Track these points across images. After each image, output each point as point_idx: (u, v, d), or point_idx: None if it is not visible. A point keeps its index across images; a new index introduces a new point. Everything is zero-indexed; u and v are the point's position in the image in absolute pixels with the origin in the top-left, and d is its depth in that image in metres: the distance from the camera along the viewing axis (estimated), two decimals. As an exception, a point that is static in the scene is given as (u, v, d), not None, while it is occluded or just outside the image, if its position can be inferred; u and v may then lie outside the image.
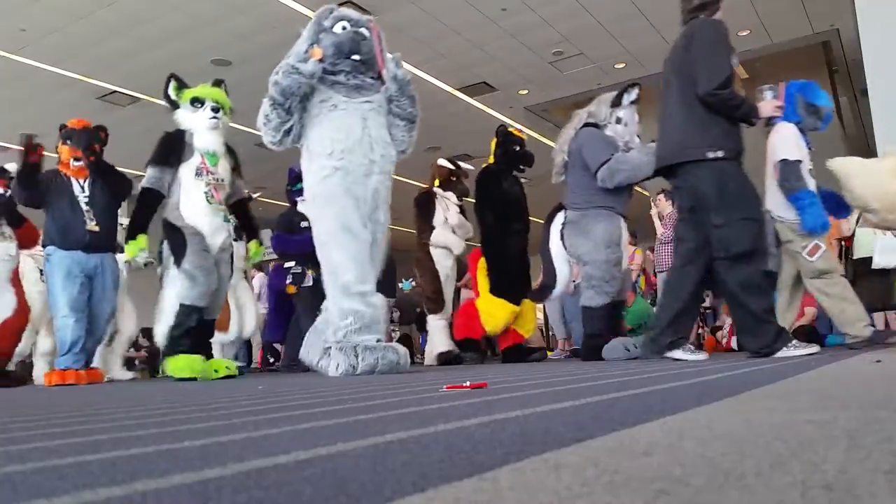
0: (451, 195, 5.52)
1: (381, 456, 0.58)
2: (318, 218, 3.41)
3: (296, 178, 5.49)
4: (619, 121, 4.47)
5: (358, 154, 3.34)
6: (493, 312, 4.93)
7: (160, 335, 3.84)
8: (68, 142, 4.56)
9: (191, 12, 6.59)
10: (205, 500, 0.44)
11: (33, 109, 8.65)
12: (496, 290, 4.92)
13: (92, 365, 4.62)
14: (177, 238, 3.81)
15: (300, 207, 5.34)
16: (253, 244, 4.61)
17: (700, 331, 6.43)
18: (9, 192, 4.59)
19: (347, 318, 3.17)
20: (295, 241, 5.44)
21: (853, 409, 0.78)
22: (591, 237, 4.20)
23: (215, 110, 4.00)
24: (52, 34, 6.85)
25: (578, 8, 6.93)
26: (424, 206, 5.47)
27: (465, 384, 1.54)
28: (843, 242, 6.71)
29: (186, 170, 3.91)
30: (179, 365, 3.68)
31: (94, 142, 4.61)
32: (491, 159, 5.08)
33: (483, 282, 5.09)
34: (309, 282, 5.49)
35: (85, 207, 4.44)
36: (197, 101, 3.99)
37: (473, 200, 5.12)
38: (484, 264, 5.07)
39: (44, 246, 4.43)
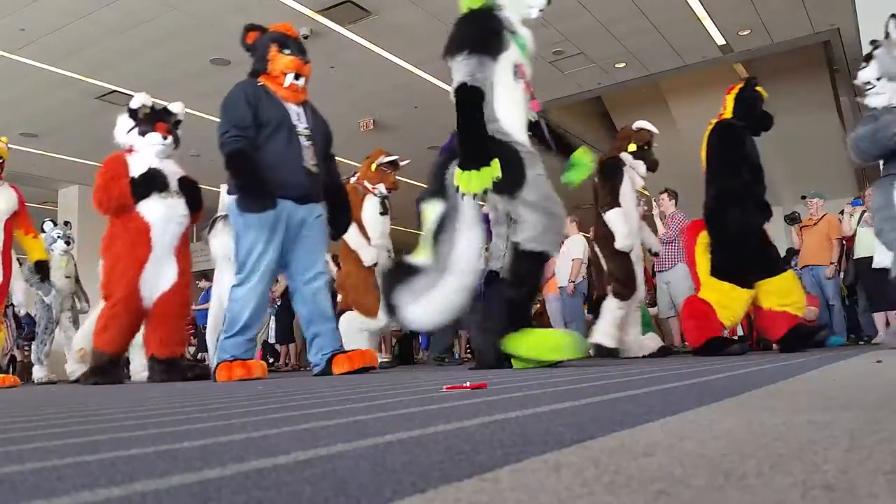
0: (640, 164, 4.79)
1: (381, 456, 0.58)
2: None
3: (450, 154, 5.21)
4: None
5: None
6: (726, 302, 4.01)
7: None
8: (285, 50, 3.61)
9: (190, 12, 6.59)
10: (204, 501, 0.44)
11: (32, 109, 8.65)
12: (721, 272, 4.05)
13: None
14: (511, 158, 2.89)
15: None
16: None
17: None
18: (170, 139, 4.11)
19: None
20: None
21: (854, 410, 0.78)
22: None
23: None
24: (51, 34, 6.84)
25: (579, 7, 6.92)
26: (613, 173, 4.69)
27: (465, 384, 1.54)
28: (844, 242, 6.72)
29: (503, 65, 3.00)
30: (532, 342, 2.80)
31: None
32: (728, 113, 4.23)
33: (704, 262, 4.21)
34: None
35: (305, 142, 3.50)
36: None
37: (704, 160, 4.23)
38: (705, 240, 4.19)
39: (230, 193, 3.47)
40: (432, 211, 3.04)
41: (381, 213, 5.40)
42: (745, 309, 4.16)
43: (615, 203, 4.61)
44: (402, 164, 5.59)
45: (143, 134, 4.12)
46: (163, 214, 4.02)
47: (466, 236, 3.02)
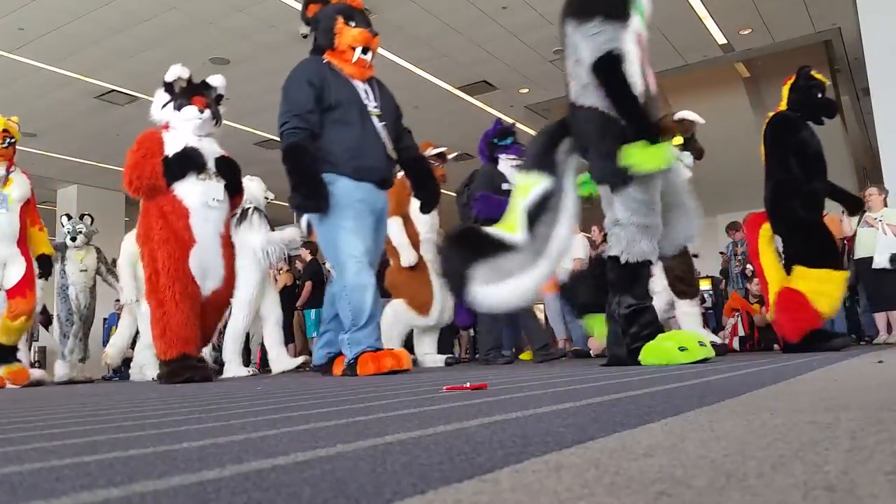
0: (687, 155, 4.62)
1: (381, 457, 0.58)
2: None
3: (503, 131, 4.86)
4: None
5: None
6: (822, 289, 3.77)
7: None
8: (351, 22, 3.36)
9: (189, 11, 6.59)
10: (203, 502, 0.43)
11: (31, 108, 8.66)
12: (813, 259, 3.80)
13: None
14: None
15: (502, 166, 4.74)
16: None
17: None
18: (207, 113, 3.78)
19: None
20: (504, 203, 4.82)
21: (855, 410, 0.77)
22: None
23: None
24: (50, 33, 6.85)
25: (578, 7, 6.92)
26: None
27: (465, 385, 1.54)
28: (845, 242, 6.72)
29: (629, 33, 2.80)
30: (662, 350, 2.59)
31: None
32: (783, 105, 4.15)
33: (769, 254, 4.03)
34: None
35: (379, 123, 3.33)
36: None
37: (763, 151, 4.12)
38: (768, 232, 4.05)
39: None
40: (532, 185, 2.72)
41: None
42: (842, 293, 3.97)
43: None
44: (449, 156, 5.36)
45: (178, 108, 3.78)
46: (201, 198, 3.66)
47: (567, 223, 2.76)
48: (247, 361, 7.07)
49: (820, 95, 4.04)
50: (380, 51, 7.57)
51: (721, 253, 8.17)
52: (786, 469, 0.46)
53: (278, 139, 3.22)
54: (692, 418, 0.77)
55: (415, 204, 4.89)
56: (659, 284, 4.43)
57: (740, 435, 0.62)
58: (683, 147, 4.64)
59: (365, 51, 3.31)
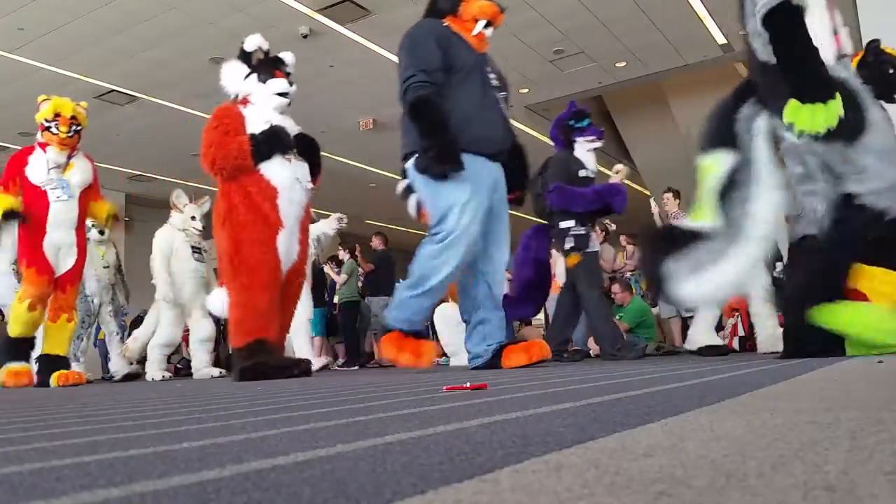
0: None
1: (381, 457, 0.58)
2: None
3: (579, 113, 4.51)
4: None
5: None
6: (883, 289, 3.84)
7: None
8: None
9: (189, 11, 6.59)
10: (203, 502, 0.43)
11: (31, 108, 8.64)
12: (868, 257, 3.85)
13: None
14: (847, 94, 2.40)
15: (579, 151, 4.40)
16: None
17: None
18: (294, 88, 3.54)
19: None
20: (581, 194, 4.17)
21: (855, 410, 0.77)
22: None
23: None
24: (49, 33, 6.85)
25: (579, 6, 6.93)
26: None
27: (465, 385, 1.54)
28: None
29: None
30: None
31: None
32: None
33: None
34: (595, 246, 4.42)
35: (499, 93, 3.14)
36: None
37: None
38: None
39: (411, 153, 3.00)
40: (715, 165, 2.52)
41: None
42: None
43: None
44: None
45: (263, 81, 3.55)
46: (289, 179, 3.46)
47: (765, 196, 2.49)
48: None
49: (892, 71, 3.66)
50: (380, 51, 7.61)
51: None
52: (786, 469, 0.46)
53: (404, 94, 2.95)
54: (692, 418, 0.77)
55: None
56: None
57: (740, 435, 0.62)
58: None
59: (487, 25, 3.14)
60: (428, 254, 2.95)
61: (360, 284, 8.42)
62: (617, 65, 8.39)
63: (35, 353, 4.45)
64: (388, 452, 0.60)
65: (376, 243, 8.54)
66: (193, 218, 5.71)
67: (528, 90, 9.22)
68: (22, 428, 1.07)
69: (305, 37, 7.04)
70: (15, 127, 8.85)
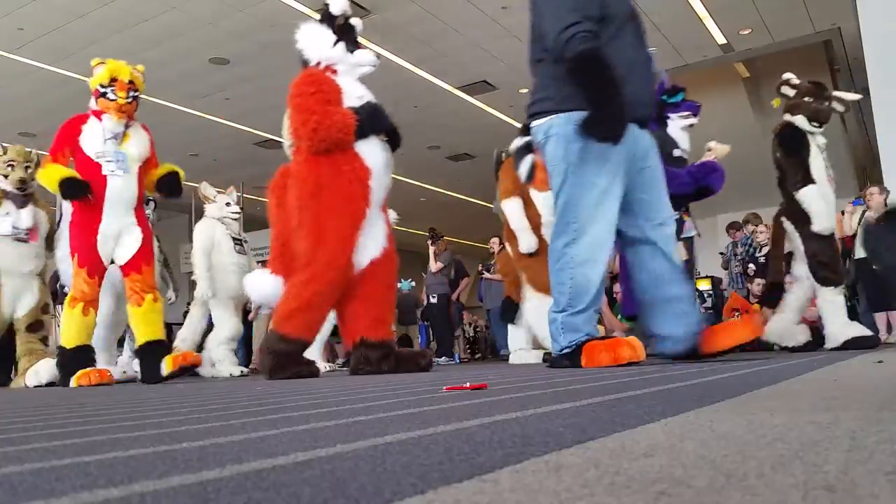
0: (818, 135, 4.07)
1: (381, 457, 0.58)
2: None
3: (673, 87, 4.22)
4: None
5: None
6: None
7: None
8: None
9: (189, 11, 6.59)
10: (203, 502, 0.43)
11: (31, 108, 8.66)
12: None
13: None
14: None
15: (672, 128, 4.08)
16: None
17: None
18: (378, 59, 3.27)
19: None
20: (675, 174, 3.73)
21: (855, 410, 0.77)
22: None
23: None
24: (49, 33, 6.86)
25: (578, 7, 6.93)
26: (795, 143, 3.98)
27: (465, 385, 1.54)
28: (845, 242, 6.72)
29: None
30: None
31: None
32: None
33: None
34: (690, 231, 4.16)
35: (651, 49, 2.79)
36: None
37: None
38: None
39: (547, 112, 2.64)
40: None
41: None
42: None
43: (808, 180, 3.96)
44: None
45: (350, 51, 3.31)
46: (382, 162, 3.20)
47: None
48: (248, 361, 7.04)
49: None
50: (380, 51, 7.61)
51: (721, 253, 8.17)
52: (786, 469, 0.46)
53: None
54: (692, 418, 0.77)
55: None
56: (801, 270, 4.07)
57: (740, 435, 0.62)
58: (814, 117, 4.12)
59: None
60: (572, 260, 2.53)
61: None
62: (617, 65, 8.39)
63: (125, 351, 3.98)
64: (388, 452, 0.60)
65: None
66: (228, 204, 5.33)
67: (527, 90, 9.22)
68: (22, 428, 1.07)
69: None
70: (15, 127, 8.86)
